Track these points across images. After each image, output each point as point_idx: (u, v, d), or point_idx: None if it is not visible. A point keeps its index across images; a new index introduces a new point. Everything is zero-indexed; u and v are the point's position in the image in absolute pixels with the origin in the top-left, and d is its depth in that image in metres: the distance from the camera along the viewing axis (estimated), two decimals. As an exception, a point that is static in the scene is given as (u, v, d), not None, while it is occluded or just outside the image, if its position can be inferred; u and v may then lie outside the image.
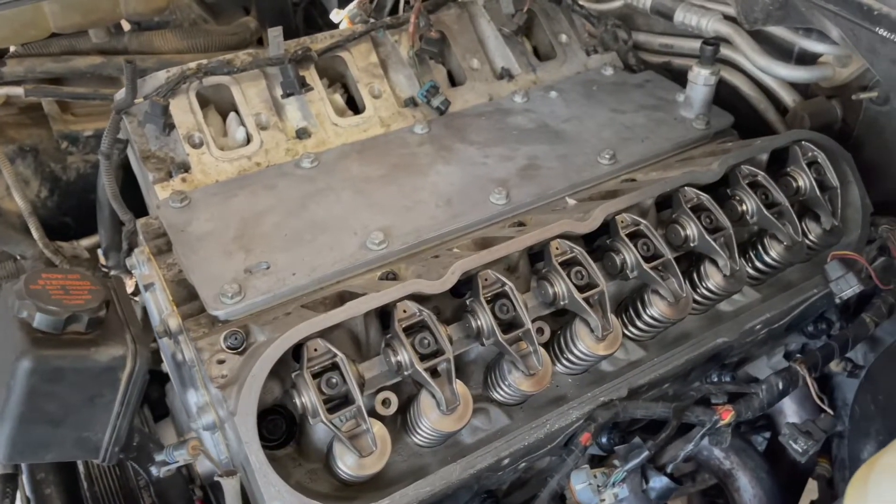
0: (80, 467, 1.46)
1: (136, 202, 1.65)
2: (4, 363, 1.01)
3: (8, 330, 1.01)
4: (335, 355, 0.95)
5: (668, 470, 1.12)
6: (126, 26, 2.11)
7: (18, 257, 1.88)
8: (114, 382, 1.04)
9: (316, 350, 0.96)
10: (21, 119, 1.99)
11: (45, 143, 1.99)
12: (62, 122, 1.99)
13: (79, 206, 2.04)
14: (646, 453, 1.06)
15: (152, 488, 1.32)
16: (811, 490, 1.64)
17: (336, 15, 1.81)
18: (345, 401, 0.96)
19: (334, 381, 0.95)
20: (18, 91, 1.85)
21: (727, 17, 1.70)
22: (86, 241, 1.96)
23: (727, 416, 1.09)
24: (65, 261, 1.84)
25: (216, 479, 1.09)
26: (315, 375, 0.95)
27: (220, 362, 1.08)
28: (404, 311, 1.01)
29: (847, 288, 1.23)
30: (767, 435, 1.71)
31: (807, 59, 1.64)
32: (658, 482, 1.12)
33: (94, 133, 2.01)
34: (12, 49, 1.91)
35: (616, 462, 1.07)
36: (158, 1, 1.96)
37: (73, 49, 1.98)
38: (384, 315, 1.08)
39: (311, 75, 1.60)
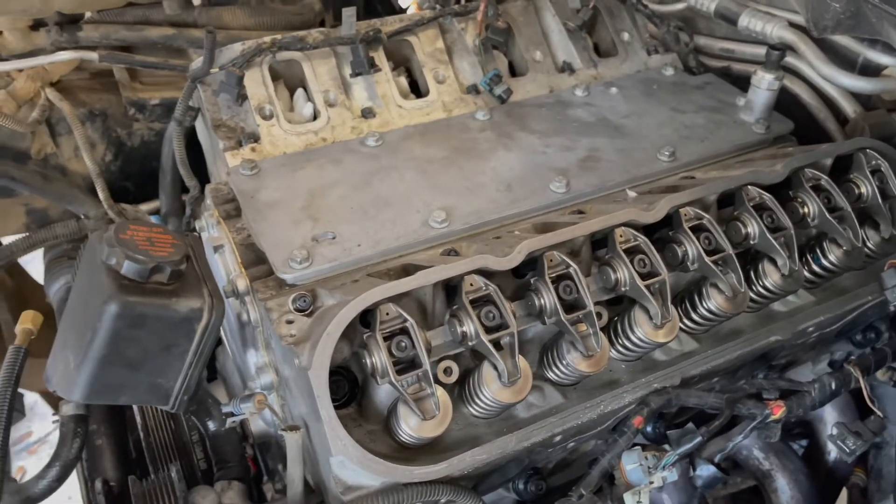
0: (138, 419, 1.52)
1: (195, 171, 1.71)
2: (90, 307, 1.06)
3: (95, 276, 1.07)
4: (406, 320, 0.99)
5: (716, 460, 1.14)
6: (197, 0, 2.17)
7: (82, 216, 1.95)
8: (190, 333, 1.09)
9: (388, 314, 1.00)
10: (92, 84, 2.06)
11: (113, 109, 2.05)
12: (131, 90, 2.05)
13: (140, 172, 2.11)
14: (699, 439, 1.08)
15: (207, 442, 1.37)
16: (843, 499, 1.65)
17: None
18: (411, 365, 1.00)
19: (403, 344, 0.98)
20: (93, 56, 1.91)
21: (792, 25, 1.71)
22: (145, 206, 2.02)
23: (778, 411, 1.11)
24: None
25: (279, 432, 1.13)
26: (386, 338, 0.99)
27: (289, 322, 1.13)
28: (471, 285, 1.05)
29: (903, 295, 1.24)
30: (804, 443, 1.72)
31: (870, 70, 1.65)
32: (705, 470, 1.14)
33: (160, 102, 2.07)
34: (88, 15, 1.98)
35: (667, 447, 1.09)
36: (231, -24, 2.02)
37: (146, 19, 2.04)
38: (449, 288, 1.12)
39: (380, 57, 1.64)
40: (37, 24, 1.91)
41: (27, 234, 1.99)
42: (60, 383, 1.12)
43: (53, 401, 2.29)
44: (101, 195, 1.89)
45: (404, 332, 1.00)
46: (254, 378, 1.32)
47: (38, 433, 2.45)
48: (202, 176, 1.73)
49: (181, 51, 2.11)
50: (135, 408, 1.55)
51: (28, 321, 1.27)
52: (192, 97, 1.59)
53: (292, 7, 2.29)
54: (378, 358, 0.98)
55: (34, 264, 2.22)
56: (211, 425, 1.35)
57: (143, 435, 1.49)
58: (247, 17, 2.15)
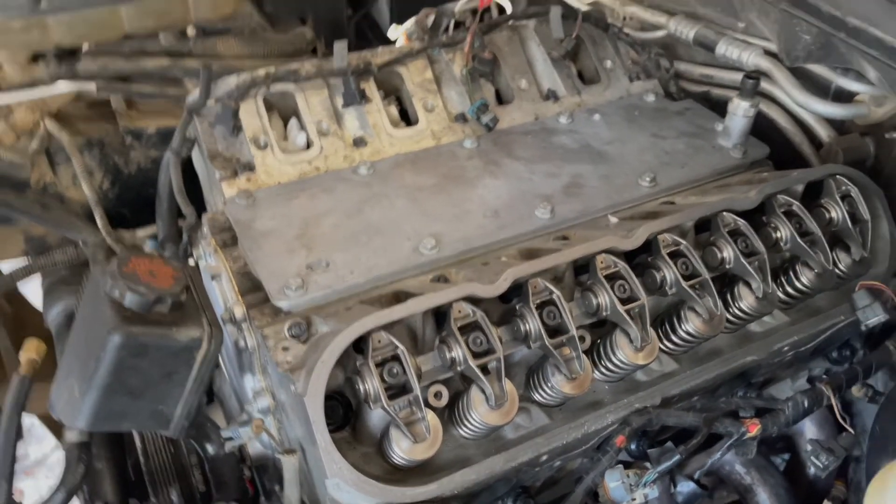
0: (138, 442, 1.56)
1: (191, 198, 1.76)
2: (94, 337, 1.11)
3: (99, 307, 1.11)
4: (397, 347, 1.04)
5: (696, 477, 1.19)
6: (191, 32, 2.22)
7: (80, 243, 1.99)
8: (190, 361, 1.13)
9: (380, 341, 1.05)
10: (89, 113, 2.11)
11: (110, 137, 2.10)
12: (128, 118, 2.10)
13: (136, 199, 2.15)
14: (677, 457, 1.13)
15: (206, 465, 1.41)
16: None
17: (394, 31, 1.91)
18: (402, 390, 1.04)
19: (395, 371, 1.03)
20: (91, 87, 1.96)
21: (768, 52, 1.78)
22: (141, 232, 2.07)
23: (754, 429, 1.16)
24: (124, 249, 1.95)
25: (276, 455, 1.18)
26: (378, 365, 1.04)
27: (285, 349, 1.17)
28: (459, 311, 1.10)
29: (873, 316, 1.30)
30: (786, 456, 1.77)
31: (843, 96, 1.72)
32: (685, 486, 1.19)
33: (156, 130, 2.12)
34: (85, 47, 2.03)
35: (648, 465, 1.14)
36: (225, 8, 2.08)
37: (142, 50, 2.09)
38: (438, 314, 1.17)
39: (370, 87, 1.70)
40: (35, 57, 1.96)
41: (26, 261, 2.04)
42: (65, 411, 1.16)
43: (51, 423, 2.32)
44: (99, 223, 1.94)
45: (395, 358, 1.05)
46: (251, 402, 1.36)
47: (35, 455, 2.47)
48: (198, 203, 1.78)
49: (176, 80, 2.16)
50: (134, 432, 1.59)
51: (32, 350, 1.31)
52: (188, 128, 1.65)
53: (284, 36, 2.35)
54: (370, 384, 1.03)
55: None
56: (210, 448, 1.39)
57: (142, 459, 1.52)
58: (240, 46, 2.20)
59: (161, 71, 2.08)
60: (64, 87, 1.94)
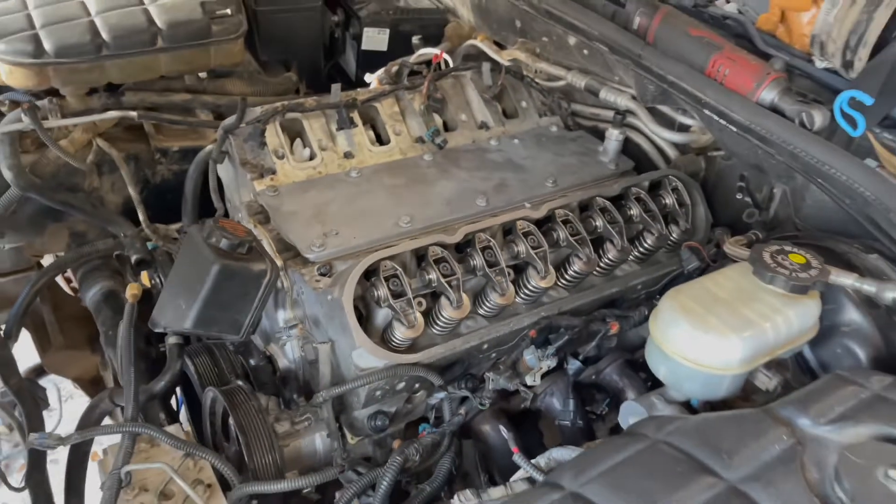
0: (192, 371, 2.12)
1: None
2: (197, 270, 1.70)
3: (199, 251, 1.71)
4: (396, 269, 1.70)
5: (580, 358, 1.88)
6: (204, 74, 2.85)
7: (121, 235, 2.55)
8: (258, 285, 1.74)
9: (385, 266, 1.70)
10: (126, 135, 2.69)
11: (143, 154, 2.68)
12: (157, 139, 2.69)
13: (159, 204, 2.71)
14: (566, 337, 1.82)
15: (250, 374, 2.00)
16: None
17: (369, 77, 2.60)
18: (399, 295, 1.70)
19: (396, 283, 1.68)
20: (132, 114, 2.55)
21: (633, 97, 2.55)
22: (171, 226, 2.65)
23: (615, 328, 1.87)
24: (159, 238, 2.52)
25: (315, 346, 1.79)
26: (385, 280, 1.69)
27: (317, 281, 1.81)
28: (433, 251, 1.77)
29: (691, 264, 2.03)
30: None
31: (683, 127, 2.49)
32: (573, 364, 1.88)
33: (178, 149, 2.72)
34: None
35: (548, 346, 1.82)
36: (236, 57, 2.71)
37: (169, 87, 2.71)
38: (418, 256, 1.83)
39: (356, 117, 2.37)
40: (91, 91, 2.55)
41: (75, 248, 2.58)
42: (172, 320, 1.75)
43: (86, 387, 2.81)
44: (140, 217, 2.50)
45: (395, 276, 1.70)
46: (281, 330, 1.97)
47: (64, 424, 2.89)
48: (207, 205, 2.36)
49: (191, 110, 2.78)
50: (189, 366, 2.15)
51: (135, 289, 1.89)
52: (224, 143, 2.26)
53: (276, 79, 3.01)
54: (381, 290, 1.67)
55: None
56: (251, 361, 1.99)
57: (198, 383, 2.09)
58: (244, 86, 2.85)
59: (185, 104, 2.69)
60: (112, 114, 2.51)
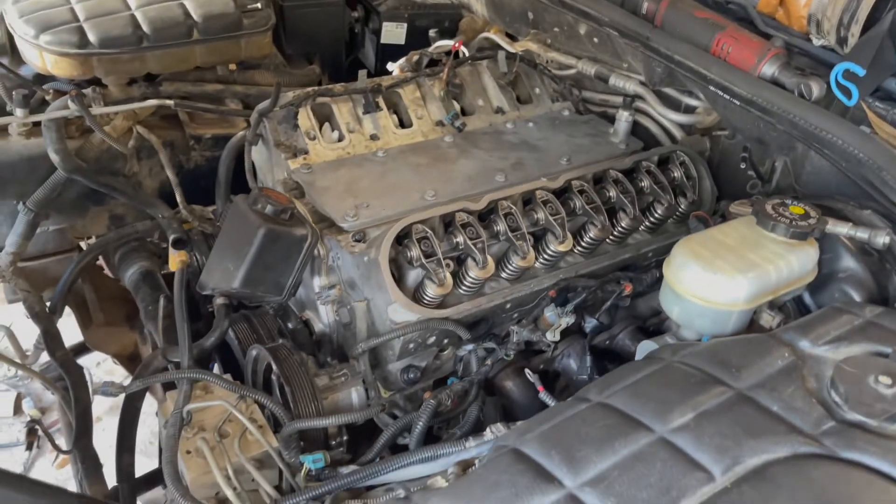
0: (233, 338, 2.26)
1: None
2: (244, 234, 1.85)
3: (245, 217, 1.86)
4: (427, 231, 1.84)
5: (596, 317, 2.03)
6: (233, 66, 3.01)
7: (159, 217, 2.70)
8: (300, 249, 1.89)
9: (417, 229, 1.85)
10: (162, 123, 2.85)
11: (178, 140, 2.84)
12: (191, 127, 2.85)
13: (192, 188, 2.87)
14: (584, 295, 1.96)
15: (288, 336, 2.14)
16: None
17: (391, 66, 2.75)
18: (430, 255, 1.84)
19: (427, 243, 1.83)
20: (169, 103, 2.70)
21: (641, 83, 2.70)
22: (207, 208, 2.79)
23: (629, 288, 2.01)
24: (195, 218, 2.67)
25: (352, 304, 1.94)
26: (417, 241, 1.83)
27: (352, 246, 1.95)
28: (460, 217, 1.91)
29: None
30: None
31: (689, 109, 2.64)
32: (590, 322, 2.02)
33: (211, 136, 2.87)
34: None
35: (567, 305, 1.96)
36: (264, 49, 2.87)
37: (202, 78, 2.87)
38: (445, 222, 1.97)
39: (381, 102, 2.52)
40: (131, 81, 2.71)
41: (116, 230, 2.73)
42: (220, 281, 1.89)
43: (125, 362, 2.95)
44: (178, 199, 2.65)
45: (426, 237, 1.85)
46: (318, 296, 2.12)
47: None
48: (236, 192, 2.50)
49: (222, 100, 2.94)
50: (231, 333, 2.28)
51: (182, 255, 2.04)
52: (259, 126, 2.41)
53: (300, 71, 3.17)
54: (414, 251, 1.82)
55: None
56: (289, 324, 2.14)
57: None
58: (271, 77, 3.01)
59: (217, 94, 2.85)
60: (151, 102, 2.66)
